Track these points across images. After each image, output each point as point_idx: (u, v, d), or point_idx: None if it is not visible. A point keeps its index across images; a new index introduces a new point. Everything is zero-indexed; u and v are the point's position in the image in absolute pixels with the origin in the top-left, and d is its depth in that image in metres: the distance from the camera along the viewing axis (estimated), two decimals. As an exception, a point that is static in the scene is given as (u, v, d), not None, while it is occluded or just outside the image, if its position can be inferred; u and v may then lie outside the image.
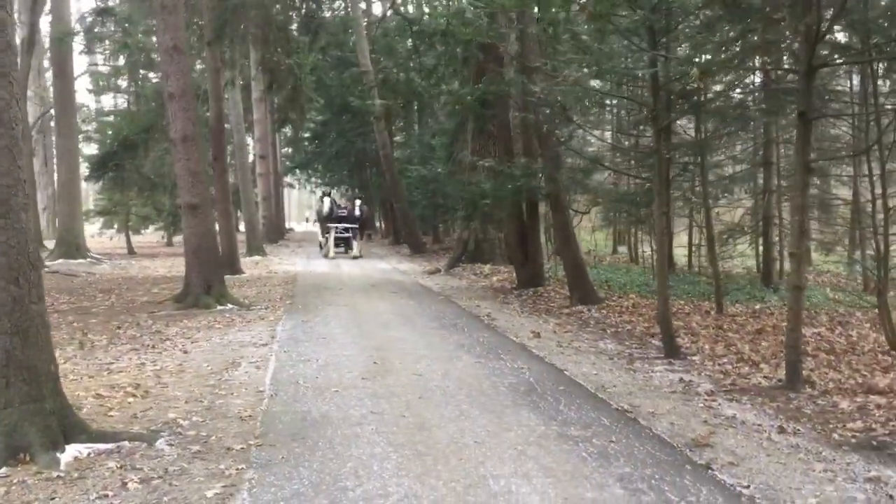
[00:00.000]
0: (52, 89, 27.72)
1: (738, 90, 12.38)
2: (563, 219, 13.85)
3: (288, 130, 44.04)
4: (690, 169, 13.13)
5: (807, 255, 15.10)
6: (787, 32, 7.56)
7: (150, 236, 37.62)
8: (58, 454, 4.83)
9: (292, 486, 4.42)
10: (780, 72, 11.15)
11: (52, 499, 4.28)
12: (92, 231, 28.96)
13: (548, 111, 12.17)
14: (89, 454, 4.95)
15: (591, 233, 26.99)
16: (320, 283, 16.99)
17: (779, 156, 16.93)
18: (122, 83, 31.59)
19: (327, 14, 28.66)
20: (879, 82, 11.38)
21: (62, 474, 4.62)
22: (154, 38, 25.05)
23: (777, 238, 16.32)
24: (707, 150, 12.82)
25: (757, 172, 16.92)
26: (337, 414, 5.97)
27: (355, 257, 24.90)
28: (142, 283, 16.88)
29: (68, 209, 23.21)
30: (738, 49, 7.99)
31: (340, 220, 26.03)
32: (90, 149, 30.21)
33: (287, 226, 50.07)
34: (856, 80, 17.40)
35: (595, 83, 12.91)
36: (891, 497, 4.37)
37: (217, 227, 16.60)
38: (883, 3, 8.67)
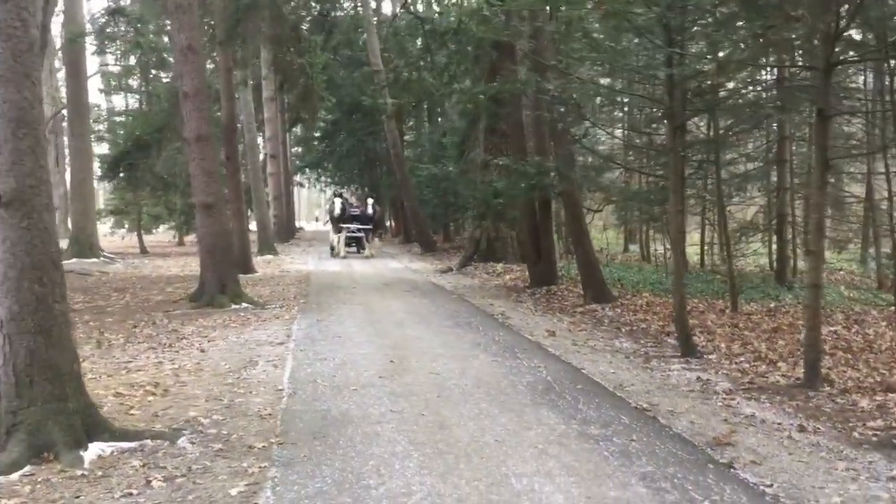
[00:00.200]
0: (63, 89, 27.86)
1: (752, 87, 12.30)
2: (576, 217, 13.84)
3: (298, 130, 44.16)
4: (705, 167, 13.08)
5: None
6: (802, 30, 7.53)
7: (161, 236, 37.72)
8: (81, 453, 4.86)
9: (315, 485, 4.44)
10: (794, 69, 11.11)
11: (78, 497, 4.30)
12: (103, 230, 29.07)
13: (562, 109, 12.16)
14: (112, 452, 4.98)
15: (603, 231, 26.95)
16: (333, 281, 17.01)
17: (791, 153, 16.86)
18: (133, 83, 31.64)
19: (339, 13, 28.68)
20: (896, 79, 11.33)
21: (86, 473, 4.65)
22: (166, 38, 25.17)
23: (790, 236, 16.26)
24: (721, 148, 12.78)
25: (770, 170, 16.86)
26: (356, 412, 5.99)
27: (367, 257, 24.71)
28: (155, 283, 16.95)
29: (81, 208, 23.29)
30: (754, 46, 7.95)
31: (353, 219, 25.77)
32: (101, 148, 30.34)
33: (297, 225, 50.11)
34: (870, 76, 17.35)
35: (605, 81, 12.87)
36: (915, 496, 4.36)
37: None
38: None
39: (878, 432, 5.57)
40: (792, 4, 6.51)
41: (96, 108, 35.56)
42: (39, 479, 4.53)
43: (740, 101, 11.28)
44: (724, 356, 8.50)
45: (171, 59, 24.77)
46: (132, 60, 28.24)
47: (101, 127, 30.10)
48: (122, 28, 24.57)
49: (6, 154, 4.80)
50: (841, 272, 18.96)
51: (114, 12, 24.70)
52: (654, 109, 15.77)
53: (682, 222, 8.89)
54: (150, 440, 5.21)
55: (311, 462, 4.83)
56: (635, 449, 5.06)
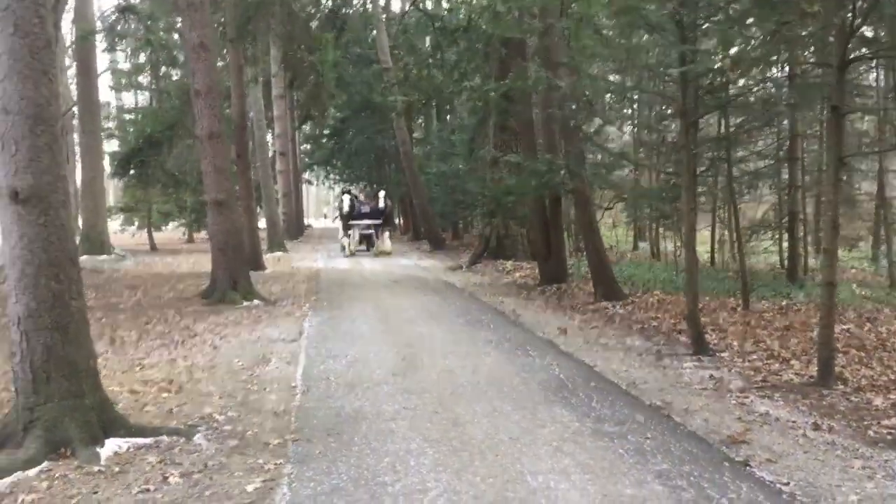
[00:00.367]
0: (73, 87, 27.92)
1: (764, 85, 12.26)
2: (587, 214, 13.81)
3: (307, 127, 44.19)
4: (716, 164, 13.04)
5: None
6: (816, 27, 7.51)
7: (171, 233, 37.84)
8: (98, 449, 4.89)
9: (331, 481, 4.45)
10: (807, 66, 11.08)
11: (95, 493, 4.33)
12: (113, 227, 29.17)
13: (573, 106, 12.14)
14: (129, 449, 5.00)
15: (612, 228, 26.92)
16: (343, 279, 17.04)
17: (803, 151, 16.82)
18: (144, 80, 31.71)
19: (349, 10, 28.66)
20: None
21: (103, 469, 4.68)
22: (176, 36, 25.20)
23: (801, 234, 16.22)
24: (733, 145, 12.74)
25: (781, 168, 16.82)
26: (370, 410, 6.00)
27: (379, 253, 24.31)
28: (167, 280, 16.99)
29: (92, 206, 23.35)
30: (768, 43, 7.93)
31: (363, 216, 25.43)
32: (111, 146, 30.45)
33: (306, 222, 50.17)
34: (881, 74, 17.28)
35: (614, 78, 12.88)
36: (933, 495, 4.34)
37: (240, 223, 16.64)
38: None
39: (893, 431, 5.54)
40: (808, 0, 6.48)
41: (106, 106, 35.68)
42: (56, 475, 4.56)
43: (752, 98, 11.25)
44: (736, 354, 8.47)
45: (181, 57, 24.85)
46: (142, 58, 28.32)
47: (111, 124, 30.24)
48: (133, 25, 24.60)
49: (23, 151, 4.82)
50: (852, 270, 18.89)
51: (124, 10, 24.71)
52: (665, 107, 15.77)
53: (694, 220, 8.87)
54: (166, 436, 5.23)
55: (326, 459, 4.84)
56: (650, 447, 5.06)
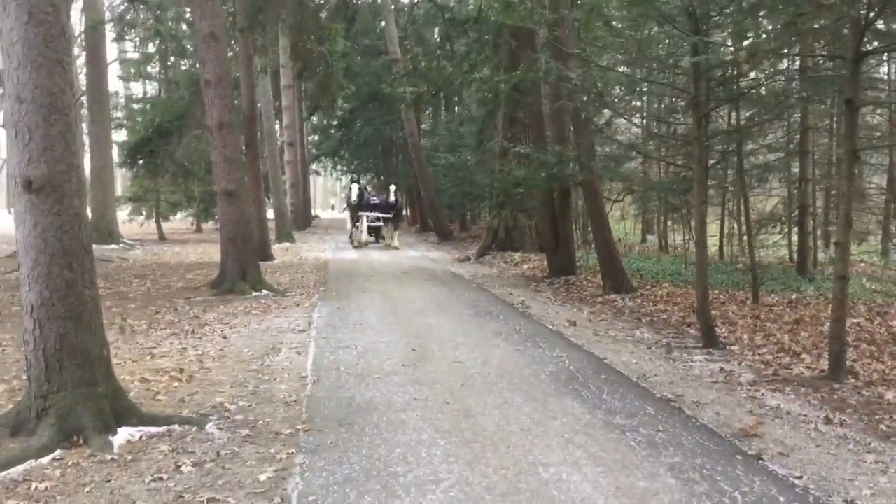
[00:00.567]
0: (83, 77, 27.93)
1: (776, 77, 12.21)
2: (596, 207, 13.78)
3: (315, 118, 44.16)
4: (727, 157, 13.00)
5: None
6: (830, 20, 7.45)
7: (179, 223, 37.91)
8: (110, 437, 4.90)
9: (343, 471, 4.45)
10: (819, 59, 11.01)
11: (108, 481, 4.34)
12: (121, 217, 29.22)
13: (584, 98, 12.09)
14: (141, 437, 5.01)
15: (620, 221, 26.87)
16: (352, 270, 17.05)
17: (814, 144, 16.74)
18: (152, 70, 31.71)
19: (359, 1, 28.63)
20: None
21: (116, 457, 4.69)
22: (185, 26, 25.20)
23: (811, 227, 16.16)
24: (744, 138, 12.69)
25: (791, 161, 16.76)
26: (381, 400, 6.00)
27: (392, 247, 23.90)
28: (175, 269, 17.03)
29: (101, 195, 23.40)
30: (783, 35, 7.88)
31: (372, 207, 24.94)
32: (119, 136, 30.45)
33: (313, 213, 50.21)
34: (893, 67, 17.18)
35: (622, 69, 12.80)
36: (947, 489, 4.33)
37: (249, 213, 16.65)
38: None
39: (905, 425, 5.54)
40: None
41: (115, 96, 35.71)
42: (69, 464, 4.57)
43: (763, 91, 11.20)
44: (746, 347, 8.46)
45: (190, 47, 24.86)
46: (151, 48, 28.34)
47: (119, 114, 30.24)
48: (142, 15, 24.60)
49: (37, 140, 4.82)
50: (862, 264, 18.81)
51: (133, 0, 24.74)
52: (676, 99, 15.70)
53: (705, 213, 8.83)
54: (178, 425, 5.24)
55: (338, 449, 4.85)
56: (662, 439, 5.05)
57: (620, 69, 12.56)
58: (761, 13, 8.47)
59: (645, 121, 22.64)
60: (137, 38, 28.57)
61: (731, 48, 8.90)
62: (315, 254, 21.89)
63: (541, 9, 12.87)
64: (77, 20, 29.50)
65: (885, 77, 19.31)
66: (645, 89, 16.62)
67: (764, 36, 8.93)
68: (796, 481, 4.38)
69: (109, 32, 25.51)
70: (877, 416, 5.77)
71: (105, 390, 5.08)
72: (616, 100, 15.35)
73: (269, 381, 6.68)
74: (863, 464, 4.73)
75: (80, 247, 5.01)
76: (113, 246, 22.53)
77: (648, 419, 5.53)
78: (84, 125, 25.88)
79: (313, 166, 51.50)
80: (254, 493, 4.18)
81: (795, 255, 16.50)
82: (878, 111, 17.05)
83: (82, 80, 26.62)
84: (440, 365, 7.31)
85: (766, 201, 18.69)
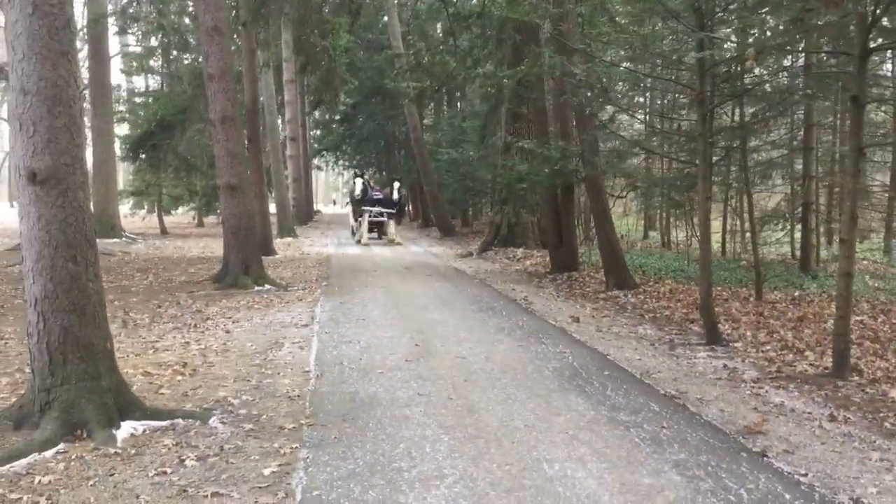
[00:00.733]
0: (85, 70, 27.92)
1: (780, 74, 12.18)
2: (600, 203, 13.75)
3: (317, 113, 44.13)
4: (731, 154, 12.96)
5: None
6: (836, 16, 7.42)
7: (180, 217, 37.92)
8: (114, 431, 4.89)
9: (347, 466, 4.44)
10: (825, 55, 10.98)
11: (112, 475, 4.33)
12: (123, 211, 29.20)
13: (588, 94, 12.06)
14: (145, 431, 5.00)
15: (623, 217, 26.84)
16: (354, 264, 17.03)
17: (818, 141, 16.71)
18: (154, 64, 31.66)
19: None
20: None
21: (119, 451, 4.68)
22: (187, 20, 25.15)
23: (814, 224, 16.13)
24: (748, 135, 12.66)
25: (794, 158, 16.72)
26: (384, 395, 5.99)
27: (390, 241, 23.78)
28: (177, 263, 17.03)
29: (103, 189, 23.38)
30: (790, 30, 7.85)
31: (375, 203, 24.71)
32: (121, 129, 30.43)
33: (315, 208, 50.19)
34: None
35: (625, 65, 12.77)
36: (953, 488, 4.31)
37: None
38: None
39: (910, 423, 5.52)
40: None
41: (117, 89, 35.69)
42: (73, 457, 4.56)
43: (768, 87, 11.16)
44: (749, 344, 8.44)
45: (192, 41, 24.82)
46: (154, 42, 28.30)
47: (122, 108, 30.23)
48: (145, 9, 24.57)
49: (42, 132, 4.81)
50: (864, 262, 18.79)
51: (136, -7, 24.70)
52: (680, 95, 15.66)
53: (709, 209, 8.81)
54: (182, 419, 5.23)
55: (341, 444, 4.83)
56: (666, 436, 5.04)
57: (624, 65, 12.53)
58: (765, 9, 8.44)
59: (648, 117, 22.61)
60: (140, 32, 28.54)
61: (737, 44, 8.85)
62: (317, 248, 21.88)
63: (545, 3, 12.84)
64: (80, 14, 29.49)
65: (889, 74, 19.29)
66: (648, 84, 16.60)
67: (769, 33, 8.90)
68: (802, 479, 4.37)
69: (112, 26, 25.47)
70: (881, 414, 5.76)
71: (109, 384, 5.07)
72: (619, 95, 15.32)
73: (272, 376, 6.68)
74: (868, 461, 4.71)
75: (84, 239, 4.99)
76: (115, 240, 22.52)
77: (653, 416, 5.51)
78: (86, 119, 25.86)
79: (315, 161, 51.48)
80: (258, 487, 4.17)
81: (798, 252, 16.47)
82: (883, 108, 17.00)
83: (85, 74, 26.58)
84: (443, 360, 7.30)
85: (769, 198, 18.66)
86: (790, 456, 4.76)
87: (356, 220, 25.23)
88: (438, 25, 31.46)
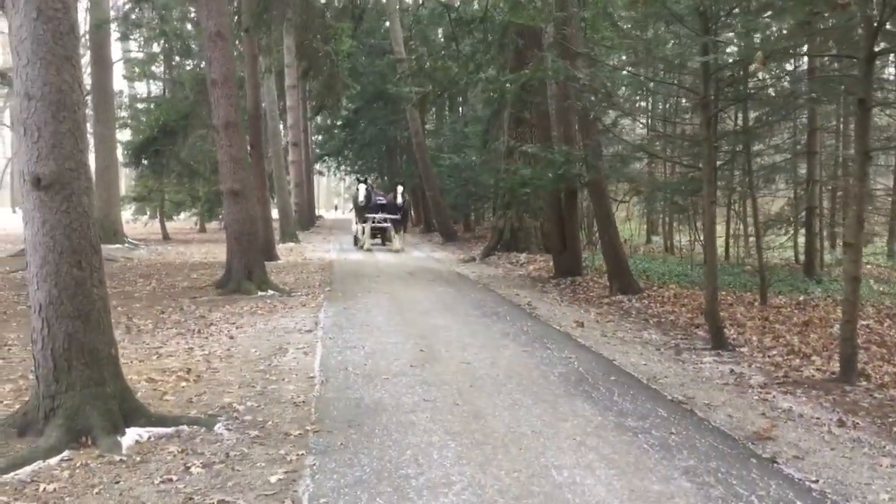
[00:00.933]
0: (87, 76, 27.94)
1: (784, 78, 12.16)
2: (603, 207, 13.72)
3: (319, 118, 44.12)
4: (735, 158, 12.94)
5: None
6: (842, 19, 7.40)
7: (182, 223, 37.86)
8: (119, 438, 4.86)
9: (354, 473, 4.41)
10: (829, 59, 10.96)
11: (117, 482, 4.29)
12: (125, 217, 29.16)
13: (592, 98, 12.04)
14: (150, 438, 4.97)
15: (625, 222, 26.79)
16: (357, 270, 17.00)
17: (821, 145, 16.69)
18: (157, 69, 31.67)
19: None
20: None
21: (124, 458, 4.64)
22: (190, 26, 25.17)
23: (818, 228, 16.10)
24: (752, 139, 12.63)
25: (798, 162, 16.69)
26: (390, 401, 5.95)
27: (396, 251, 23.26)
28: (180, 269, 17.00)
29: (106, 195, 23.35)
30: (796, 34, 7.83)
31: (379, 208, 24.13)
32: (124, 135, 30.43)
33: (316, 213, 50.14)
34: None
35: (628, 70, 12.76)
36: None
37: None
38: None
39: (920, 429, 5.48)
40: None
41: (119, 95, 35.74)
42: (78, 464, 4.52)
43: (772, 91, 11.15)
44: (756, 349, 8.40)
45: (195, 47, 24.83)
46: (156, 47, 28.32)
47: (124, 114, 30.24)
48: (147, 15, 24.59)
49: (46, 137, 4.79)
50: (868, 265, 18.74)
51: (138, -1, 24.71)
52: (683, 99, 15.65)
53: (714, 213, 8.78)
54: (187, 426, 5.20)
55: (348, 450, 4.80)
56: (675, 442, 5.00)
57: (626, 69, 12.52)
58: (769, 13, 8.43)
59: (651, 121, 22.60)
60: (142, 38, 28.58)
61: (742, 48, 8.83)
62: (320, 254, 21.85)
63: (549, 7, 12.83)
64: (82, 19, 29.50)
65: (892, 78, 19.27)
66: (651, 88, 16.59)
67: (773, 37, 8.88)
68: (813, 485, 4.33)
69: (114, 32, 25.51)
70: (890, 419, 5.72)
71: (113, 390, 5.04)
72: (623, 100, 15.31)
73: (276, 382, 6.64)
74: (879, 467, 4.68)
75: (88, 245, 4.97)
76: (117, 245, 22.50)
77: (660, 421, 5.47)
78: (89, 125, 25.86)
79: (317, 166, 51.46)
80: (264, 494, 4.13)
81: (802, 257, 16.43)
82: (887, 112, 16.98)
83: (87, 80, 26.60)
84: (448, 366, 7.27)
85: (772, 202, 18.63)
86: (800, 462, 4.72)
87: (359, 225, 25.00)
88: (440, 30, 31.42)
